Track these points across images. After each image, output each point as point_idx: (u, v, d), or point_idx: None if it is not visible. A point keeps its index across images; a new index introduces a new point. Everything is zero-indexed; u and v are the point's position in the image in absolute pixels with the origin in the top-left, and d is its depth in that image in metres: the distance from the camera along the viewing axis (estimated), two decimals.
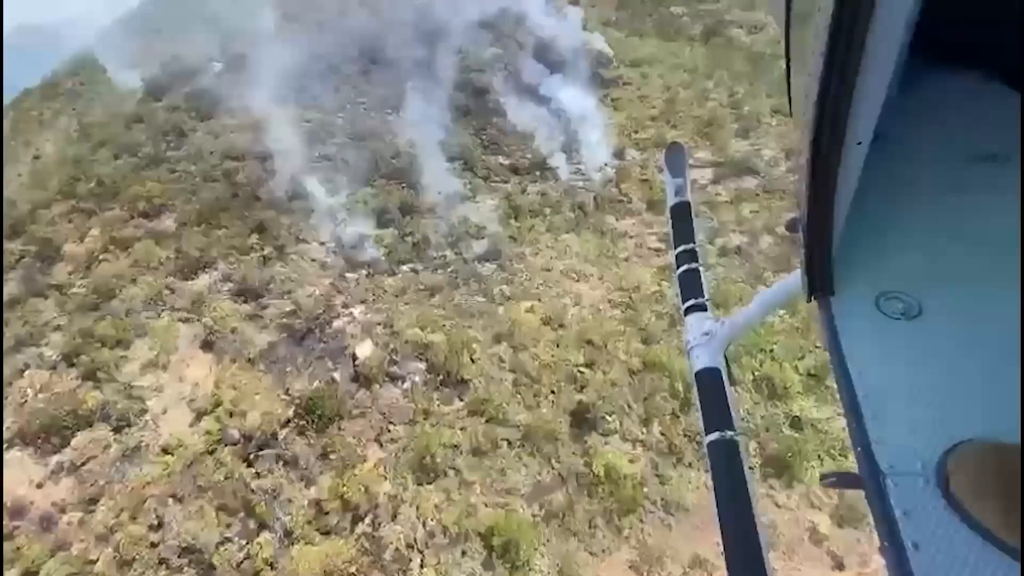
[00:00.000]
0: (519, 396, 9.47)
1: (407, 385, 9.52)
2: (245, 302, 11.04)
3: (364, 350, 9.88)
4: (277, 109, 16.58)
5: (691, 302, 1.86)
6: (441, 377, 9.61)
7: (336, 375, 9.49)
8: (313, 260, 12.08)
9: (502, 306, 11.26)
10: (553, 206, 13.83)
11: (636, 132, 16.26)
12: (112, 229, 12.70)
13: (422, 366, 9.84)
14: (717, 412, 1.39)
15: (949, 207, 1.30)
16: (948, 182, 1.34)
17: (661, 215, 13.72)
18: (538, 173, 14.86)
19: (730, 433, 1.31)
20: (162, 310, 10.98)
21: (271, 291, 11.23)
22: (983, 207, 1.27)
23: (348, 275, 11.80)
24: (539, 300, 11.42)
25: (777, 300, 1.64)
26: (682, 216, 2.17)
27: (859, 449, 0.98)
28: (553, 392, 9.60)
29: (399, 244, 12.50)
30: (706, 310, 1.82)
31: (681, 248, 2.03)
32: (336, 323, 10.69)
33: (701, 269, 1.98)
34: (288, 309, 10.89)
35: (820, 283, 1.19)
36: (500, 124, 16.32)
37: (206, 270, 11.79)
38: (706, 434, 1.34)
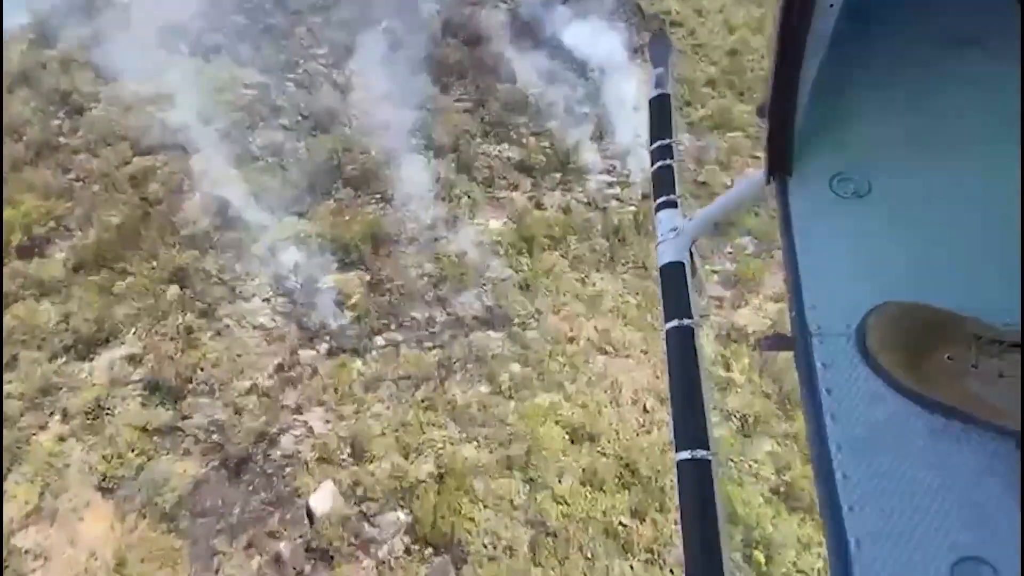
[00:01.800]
0: (540, 568, 6.89)
1: (383, 554, 6.89)
2: (160, 404, 8.04)
3: (323, 501, 7.11)
4: (205, 65, 12.25)
5: (662, 199, 1.76)
6: (430, 542, 6.95)
7: (283, 548, 6.80)
8: (254, 328, 8.85)
9: (513, 402, 8.30)
10: (579, 229, 10.27)
11: (689, 104, 12.07)
12: None
13: (404, 519, 7.14)
14: (676, 302, 1.38)
15: (915, 89, 1.28)
16: (918, 64, 1.31)
17: (724, 236, 10.25)
18: (558, 176, 11.02)
19: (687, 320, 1.29)
20: (49, 414, 8.02)
21: (196, 387, 8.18)
22: (950, 90, 1.25)
23: (301, 353, 8.66)
24: (563, 393, 8.44)
25: (742, 194, 1.61)
26: (661, 109, 2.00)
27: (793, 313, 1.05)
28: (588, 559, 7.01)
29: (370, 299, 9.18)
30: (677, 207, 1.72)
31: (657, 143, 1.88)
32: (284, 441, 7.80)
33: (675, 165, 1.82)
34: (218, 417, 7.94)
35: (779, 163, 1.19)
36: (505, 93, 12.06)
37: (108, 344, 8.62)
38: (665, 323, 1.32)
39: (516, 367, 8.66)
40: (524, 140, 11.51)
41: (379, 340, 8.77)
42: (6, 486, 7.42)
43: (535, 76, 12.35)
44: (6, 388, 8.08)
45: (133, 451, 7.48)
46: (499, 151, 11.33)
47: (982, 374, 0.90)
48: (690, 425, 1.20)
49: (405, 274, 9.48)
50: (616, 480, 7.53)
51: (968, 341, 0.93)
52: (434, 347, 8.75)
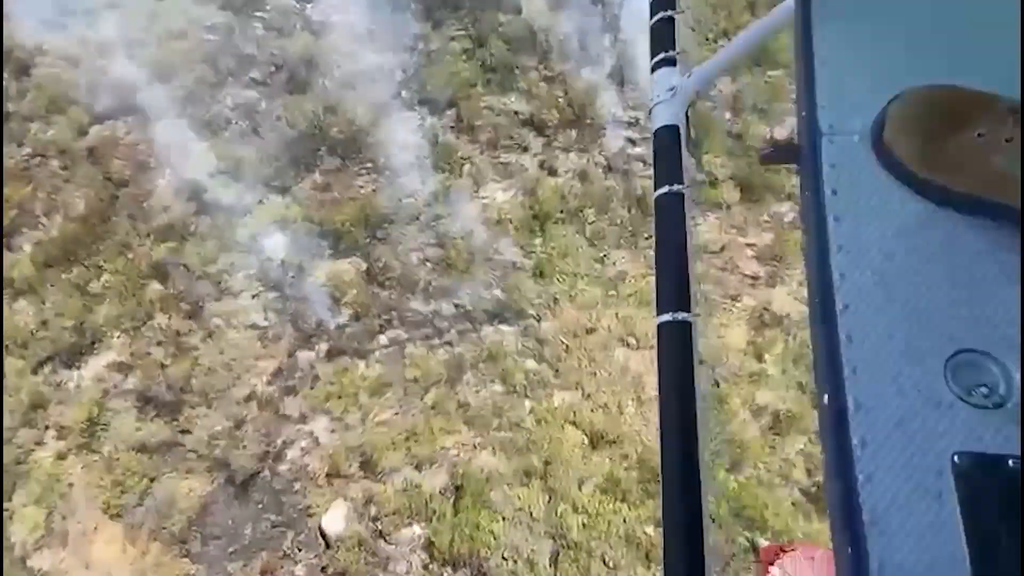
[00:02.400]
0: None
1: (401, 571, 6.74)
2: (157, 416, 7.62)
3: (336, 522, 6.86)
4: (157, 5, 10.53)
5: (660, 56, 1.60)
6: (448, 558, 6.77)
7: (299, 572, 6.65)
8: (247, 328, 8.18)
9: (529, 401, 7.79)
10: (597, 199, 9.11)
11: (726, 34, 10.25)
12: None
13: (421, 533, 6.93)
14: (668, 168, 1.33)
15: None
16: None
17: (760, 203, 9.14)
18: (573, 133, 9.61)
19: (678, 186, 1.26)
20: (44, 428, 7.66)
21: (191, 397, 7.70)
22: None
23: (299, 356, 8.05)
24: (581, 391, 7.87)
25: (749, 41, 1.52)
26: None
27: (803, 114, 0.99)
28: (610, 568, 6.84)
29: (368, 292, 8.37)
30: (675, 64, 1.57)
31: None
32: (291, 454, 7.44)
33: (678, 17, 1.64)
34: (219, 429, 7.53)
35: None
36: (508, 28, 10.27)
37: (93, 350, 8.06)
38: (655, 189, 1.29)
39: (531, 363, 8.05)
40: (533, 88, 9.97)
41: (382, 339, 8.11)
42: (13, 507, 7.26)
43: (542, 2, 10.47)
44: (7, 397, 7.68)
45: (135, 473, 7.18)
46: (504, 103, 9.85)
47: (1017, 147, 0.83)
48: (672, 287, 1.15)
49: (405, 261, 8.59)
50: (640, 488, 7.19)
51: (1004, 116, 0.86)
52: (441, 345, 8.09)
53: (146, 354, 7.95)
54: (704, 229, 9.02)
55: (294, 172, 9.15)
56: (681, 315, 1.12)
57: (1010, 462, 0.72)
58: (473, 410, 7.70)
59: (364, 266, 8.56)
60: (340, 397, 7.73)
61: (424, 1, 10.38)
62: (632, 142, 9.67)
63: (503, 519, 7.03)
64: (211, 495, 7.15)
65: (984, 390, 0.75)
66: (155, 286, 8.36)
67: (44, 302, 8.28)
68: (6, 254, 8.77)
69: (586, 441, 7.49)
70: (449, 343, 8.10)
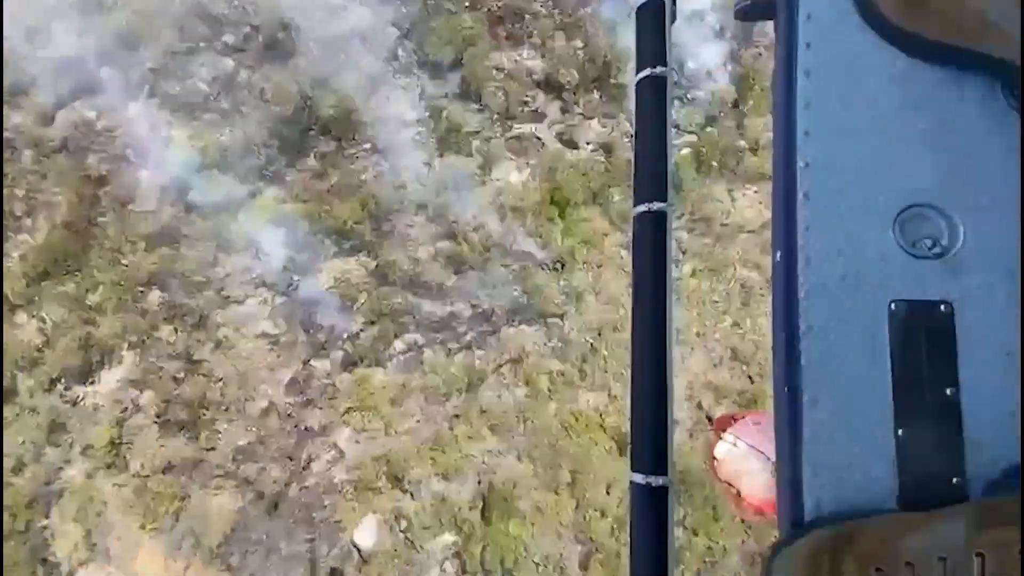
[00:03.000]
0: None
1: None
2: (181, 430, 7.53)
3: (368, 536, 6.92)
4: None
5: None
6: (480, 567, 6.88)
7: None
8: (256, 337, 7.82)
9: (554, 404, 7.53)
10: (623, 175, 8.18)
11: None
12: None
13: (452, 541, 7.00)
14: (650, 48, 1.23)
15: None
16: None
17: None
18: (595, 96, 8.42)
19: (661, 68, 1.18)
20: (69, 446, 7.66)
21: (209, 412, 7.54)
22: None
23: (315, 365, 7.75)
24: (608, 392, 7.56)
25: None
26: None
27: None
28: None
29: (379, 294, 7.85)
30: None
31: None
32: (316, 467, 7.38)
33: None
34: (242, 444, 7.45)
35: None
36: None
37: (104, 365, 7.83)
38: (636, 72, 1.21)
39: (555, 364, 7.69)
40: (547, 40, 8.64)
41: (398, 344, 7.74)
42: (52, 523, 7.46)
43: None
44: (20, 422, 7.62)
45: (166, 492, 7.22)
46: (516, 60, 8.60)
47: None
48: (650, 177, 1.12)
49: (415, 256, 7.97)
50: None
51: None
52: (460, 348, 7.71)
53: (158, 369, 7.71)
54: (744, 204, 8.17)
55: (286, 159, 8.28)
56: (657, 205, 1.10)
57: (942, 307, 0.76)
58: (496, 416, 7.49)
59: (372, 264, 7.98)
60: (360, 407, 7.53)
61: None
62: None
63: (532, 525, 7.06)
64: (243, 511, 7.23)
65: (928, 242, 0.78)
66: (155, 295, 7.93)
67: (44, 318, 7.95)
68: None
69: (614, 446, 7.32)
70: (468, 346, 7.72)
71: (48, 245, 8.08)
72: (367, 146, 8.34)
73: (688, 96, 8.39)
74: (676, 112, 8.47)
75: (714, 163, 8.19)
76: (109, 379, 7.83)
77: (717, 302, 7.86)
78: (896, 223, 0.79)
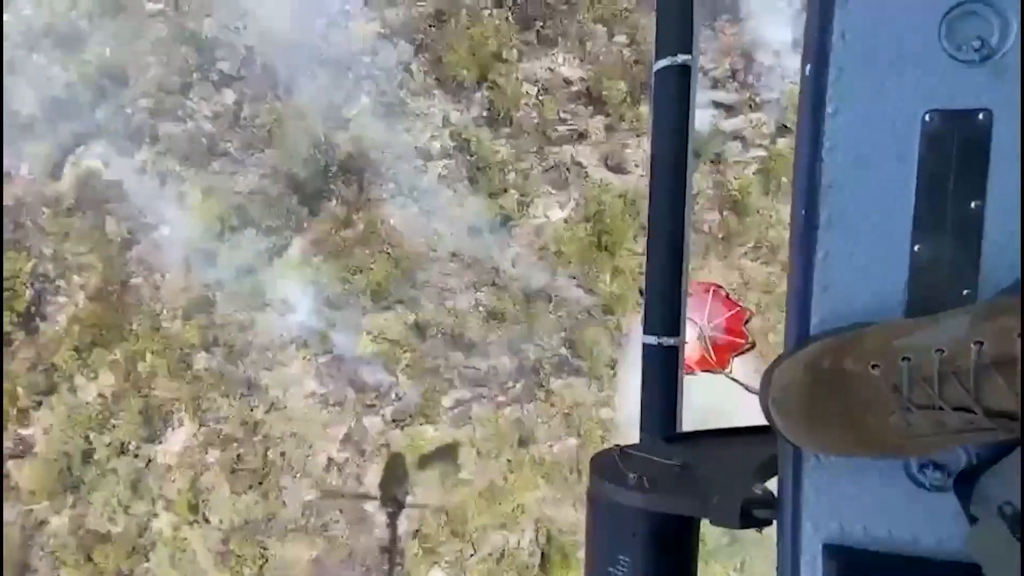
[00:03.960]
0: None
1: None
2: (249, 489, 7.93)
3: None
4: None
5: None
6: None
7: None
8: (306, 397, 7.85)
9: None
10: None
11: None
12: None
13: None
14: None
15: None
16: None
17: None
18: (644, 107, 7.19)
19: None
20: (152, 501, 8.23)
21: (274, 468, 7.84)
22: None
23: (366, 422, 7.80)
24: None
25: None
26: None
27: None
28: None
29: (422, 350, 7.59)
30: None
31: None
32: (378, 518, 7.72)
33: None
34: (310, 499, 7.82)
35: None
36: None
37: (167, 427, 8.12)
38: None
39: (606, 413, 7.51)
40: (585, 39, 7.30)
41: (445, 401, 7.64)
42: (152, 567, 8.26)
43: None
44: (104, 481, 8.18)
45: (249, 549, 7.79)
46: (549, 69, 7.38)
47: None
48: (675, 30, 1.07)
49: (455, 307, 7.57)
50: (724, 538, 7.18)
51: None
52: (509, 403, 7.57)
53: (218, 431, 7.96)
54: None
55: (307, 208, 7.69)
56: (681, 58, 1.04)
57: (980, 116, 0.71)
58: (549, 465, 7.52)
59: (411, 318, 7.66)
60: (414, 462, 7.67)
61: None
62: (726, 109, 7.28)
63: None
64: (319, 561, 7.79)
65: (976, 43, 0.71)
66: (201, 361, 7.94)
67: (101, 384, 8.15)
68: (42, 324, 8.41)
69: None
70: (517, 400, 7.56)
71: (89, 312, 8.05)
72: (391, 186, 7.62)
73: (758, 100, 7.12)
74: (742, 121, 7.26)
75: (784, 179, 7.14)
76: (175, 440, 8.17)
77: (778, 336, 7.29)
78: (943, 25, 0.71)
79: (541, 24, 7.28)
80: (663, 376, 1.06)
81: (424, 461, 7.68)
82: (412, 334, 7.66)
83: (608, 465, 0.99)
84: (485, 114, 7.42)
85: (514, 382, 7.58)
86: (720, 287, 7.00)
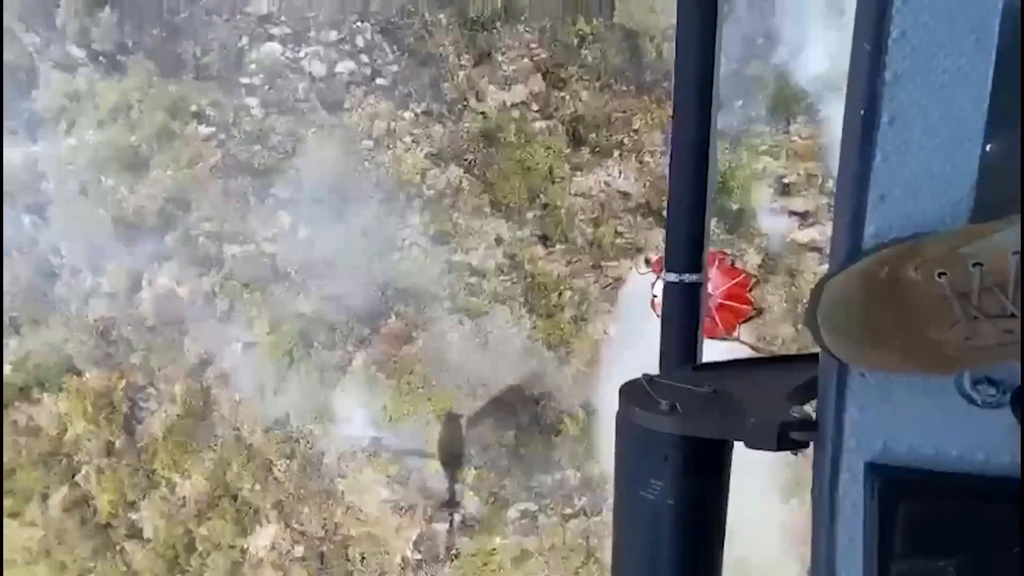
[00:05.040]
0: None
1: None
2: None
3: None
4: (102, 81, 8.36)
5: None
6: None
7: None
8: (379, 503, 8.27)
9: None
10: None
11: None
12: None
13: None
14: None
15: None
16: None
17: None
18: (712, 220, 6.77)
19: None
20: None
21: (354, 567, 8.41)
22: None
23: (436, 527, 8.16)
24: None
25: None
26: None
27: None
28: None
29: (487, 466, 7.76)
30: None
31: None
32: None
33: None
34: None
35: None
36: (594, 45, 6.58)
37: (258, 524, 8.82)
38: None
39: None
40: (641, 150, 6.86)
41: (511, 512, 7.85)
42: None
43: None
44: (210, 565, 9.08)
45: None
46: (605, 182, 7.02)
47: None
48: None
49: (517, 426, 7.64)
50: None
51: None
52: (575, 515, 7.69)
53: (301, 531, 8.56)
54: None
55: (368, 327, 7.86)
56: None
57: None
58: None
59: (474, 435, 7.81)
60: (485, 568, 8.02)
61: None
62: (798, 216, 6.73)
63: None
64: None
65: None
66: (281, 470, 8.48)
67: (195, 482, 8.89)
68: (139, 427, 9.18)
69: None
70: (583, 511, 7.67)
71: (178, 422, 8.70)
72: (448, 305, 7.62)
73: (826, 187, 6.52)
74: (819, 232, 6.70)
75: None
76: (265, 535, 8.88)
77: None
78: None
79: (593, 137, 6.87)
80: (685, 312, 1.04)
81: None
82: (478, 450, 7.84)
83: (638, 392, 0.94)
84: (537, 232, 7.20)
85: (578, 495, 7.67)
86: (726, 254, 6.57)
